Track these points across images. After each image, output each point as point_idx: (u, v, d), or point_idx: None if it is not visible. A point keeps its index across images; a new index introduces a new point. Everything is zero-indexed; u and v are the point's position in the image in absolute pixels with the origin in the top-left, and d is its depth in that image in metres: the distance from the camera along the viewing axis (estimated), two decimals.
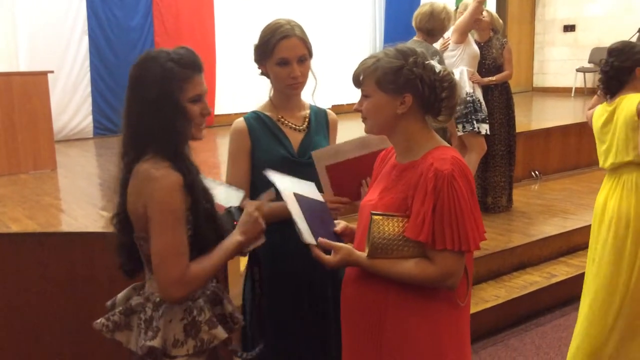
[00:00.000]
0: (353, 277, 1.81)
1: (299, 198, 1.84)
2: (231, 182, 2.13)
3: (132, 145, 1.71)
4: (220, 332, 1.77)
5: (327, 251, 1.76)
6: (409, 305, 1.72)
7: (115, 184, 1.78)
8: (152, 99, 1.65)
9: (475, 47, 4.86)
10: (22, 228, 3.40)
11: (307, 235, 1.76)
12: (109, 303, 1.88)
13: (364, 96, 1.75)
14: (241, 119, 2.24)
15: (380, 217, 1.68)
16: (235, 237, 1.75)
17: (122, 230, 1.77)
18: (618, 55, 2.94)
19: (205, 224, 1.70)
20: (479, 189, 5.11)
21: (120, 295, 1.87)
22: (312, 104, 2.30)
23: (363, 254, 1.73)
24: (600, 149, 3.07)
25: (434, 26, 4.29)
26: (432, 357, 1.73)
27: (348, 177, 2.08)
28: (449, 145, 1.80)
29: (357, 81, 1.76)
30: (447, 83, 1.71)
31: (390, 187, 1.77)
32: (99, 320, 1.77)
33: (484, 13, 5.02)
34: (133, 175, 1.68)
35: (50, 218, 3.70)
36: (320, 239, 1.75)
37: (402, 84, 1.68)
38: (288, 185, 1.86)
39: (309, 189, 1.94)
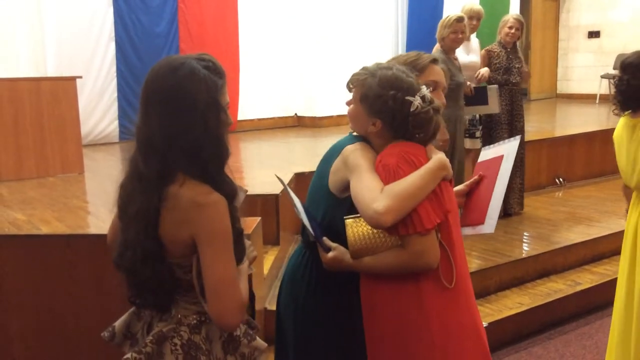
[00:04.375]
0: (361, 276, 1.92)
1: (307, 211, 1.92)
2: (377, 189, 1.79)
3: (173, 165, 1.54)
4: (261, 343, 1.75)
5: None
6: (400, 293, 1.78)
7: (134, 211, 1.58)
8: (201, 109, 1.52)
9: (464, 58, 4.97)
10: (52, 230, 3.46)
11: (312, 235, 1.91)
12: (106, 334, 1.79)
13: (352, 99, 1.91)
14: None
15: (352, 220, 1.81)
16: (245, 262, 1.74)
17: (159, 262, 1.59)
18: (635, 72, 2.68)
19: (236, 244, 1.61)
20: None
21: (118, 324, 1.80)
22: None
23: (349, 256, 1.84)
24: (621, 163, 2.85)
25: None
26: (420, 340, 1.77)
27: None
28: (415, 144, 1.85)
29: (348, 86, 1.93)
30: (421, 120, 1.80)
31: None
32: (129, 355, 1.63)
33: (512, 20, 5.12)
34: (169, 201, 1.54)
35: (79, 220, 3.76)
36: (325, 239, 1.88)
37: (376, 110, 1.82)
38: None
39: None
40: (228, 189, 1.60)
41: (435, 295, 1.78)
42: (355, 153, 1.85)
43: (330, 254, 1.86)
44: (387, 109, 1.80)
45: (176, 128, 1.53)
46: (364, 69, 1.90)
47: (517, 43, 5.24)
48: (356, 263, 1.82)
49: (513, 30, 5.10)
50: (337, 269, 1.88)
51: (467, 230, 2.09)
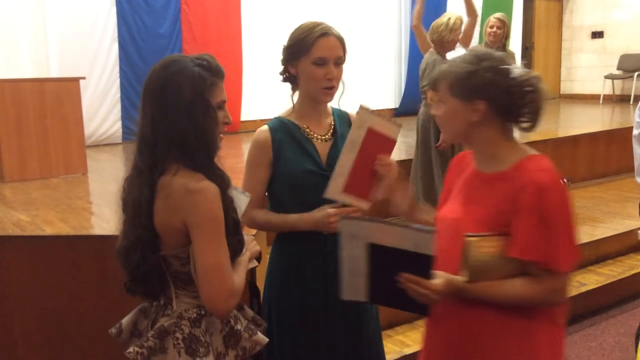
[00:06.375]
0: (446, 310, 1.67)
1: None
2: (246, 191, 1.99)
3: (162, 157, 1.61)
4: (262, 338, 1.77)
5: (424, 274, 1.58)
6: (508, 327, 1.62)
7: (130, 202, 1.66)
8: (185, 103, 1.58)
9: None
10: (56, 231, 3.46)
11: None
12: (113, 330, 1.82)
13: (440, 102, 1.67)
14: (265, 127, 2.11)
15: (477, 239, 1.59)
16: (245, 254, 1.77)
17: (150, 250, 1.64)
18: None
19: (232, 234, 1.65)
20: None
21: (125, 321, 1.82)
22: (337, 107, 2.17)
23: (461, 278, 1.63)
24: None
25: (433, 39, 4.69)
26: None
27: (370, 158, 1.94)
28: (537, 152, 1.69)
29: (435, 87, 1.72)
30: (528, 87, 1.59)
31: (477, 200, 1.66)
32: (131, 349, 1.67)
33: (493, 19, 5.12)
34: (162, 191, 1.60)
35: (83, 221, 3.76)
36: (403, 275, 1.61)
37: (474, 90, 1.59)
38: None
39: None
40: (220, 178, 1.65)
41: (547, 329, 1.64)
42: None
43: (440, 280, 1.60)
44: (486, 82, 1.57)
45: (164, 121, 1.61)
46: (441, 65, 1.71)
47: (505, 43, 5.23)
48: (471, 286, 1.61)
49: (494, 30, 5.08)
50: (445, 295, 1.62)
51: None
